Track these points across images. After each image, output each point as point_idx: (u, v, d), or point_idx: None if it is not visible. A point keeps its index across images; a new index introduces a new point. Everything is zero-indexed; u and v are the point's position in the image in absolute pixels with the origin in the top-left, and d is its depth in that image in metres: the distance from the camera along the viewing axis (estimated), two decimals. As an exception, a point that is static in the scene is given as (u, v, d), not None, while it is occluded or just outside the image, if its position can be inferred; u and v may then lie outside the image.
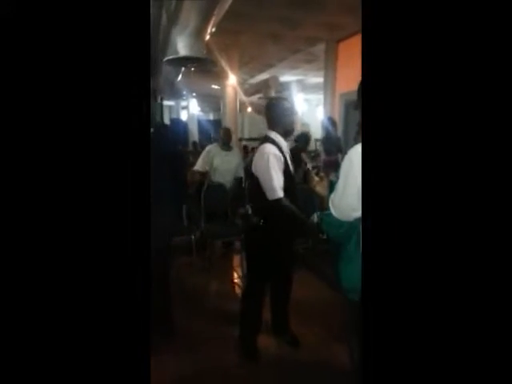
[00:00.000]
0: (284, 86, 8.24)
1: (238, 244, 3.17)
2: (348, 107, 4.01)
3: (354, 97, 4.11)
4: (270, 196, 1.62)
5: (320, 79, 7.68)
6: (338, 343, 1.96)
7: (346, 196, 1.04)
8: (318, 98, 9.37)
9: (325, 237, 1.41)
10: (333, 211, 1.13)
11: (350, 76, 5.14)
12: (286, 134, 1.76)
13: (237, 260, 3.12)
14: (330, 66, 5.20)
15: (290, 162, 1.77)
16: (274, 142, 1.70)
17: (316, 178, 1.36)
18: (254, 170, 1.67)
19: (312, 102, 9.37)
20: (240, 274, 2.90)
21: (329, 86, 5.15)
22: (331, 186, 1.36)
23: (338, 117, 4.11)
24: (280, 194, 1.60)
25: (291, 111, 1.74)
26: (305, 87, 8.64)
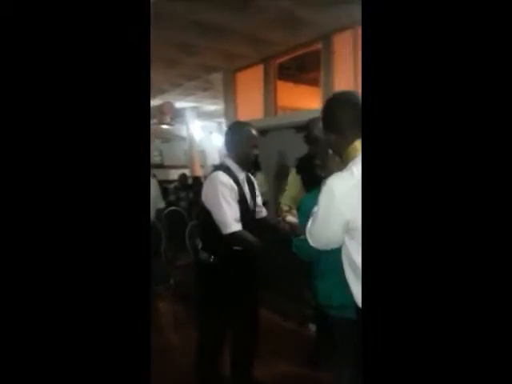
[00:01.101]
0: (178, 113, 8.02)
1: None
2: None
3: (258, 124, 4.19)
4: (223, 230, 1.41)
5: (215, 107, 7.81)
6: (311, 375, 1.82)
7: (327, 229, 0.95)
8: (213, 125, 9.46)
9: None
10: (310, 241, 1.02)
11: (250, 105, 5.35)
12: (243, 164, 1.55)
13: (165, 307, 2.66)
14: (229, 94, 5.28)
15: (247, 193, 1.57)
16: (227, 170, 1.50)
17: (285, 208, 1.30)
18: (203, 199, 1.47)
19: (206, 129, 9.41)
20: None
21: (230, 114, 5.19)
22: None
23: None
24: (234, 227, 1.40)
25: (251, 140, 1.53)
26: (199, 114, 8.60)
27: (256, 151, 1.54)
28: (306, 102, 5.27)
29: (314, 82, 4.91)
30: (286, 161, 3.74)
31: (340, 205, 0.88)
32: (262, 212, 1.69)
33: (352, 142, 0.94)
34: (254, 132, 1.53)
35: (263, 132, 4.03)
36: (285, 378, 1.86)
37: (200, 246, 1.54)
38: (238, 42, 4.17)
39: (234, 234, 1.39)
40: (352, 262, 0.96)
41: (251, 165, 1.61)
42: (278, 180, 3.40)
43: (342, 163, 1.07)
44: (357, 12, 3.44)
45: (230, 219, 1.39)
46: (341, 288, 1.27)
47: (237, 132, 1.54)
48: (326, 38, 4.10)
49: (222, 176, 1.44)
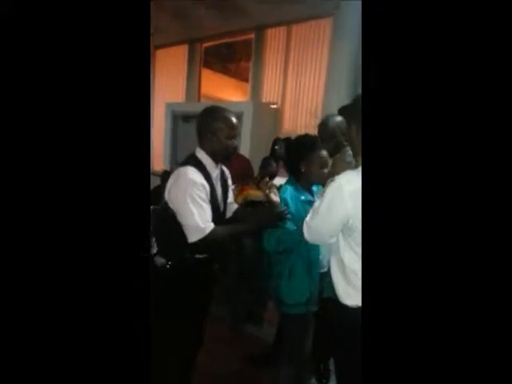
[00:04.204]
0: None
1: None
2: (176, 118, 3.69)
3: (182, 108, 3.85)
4: (191, 237, 1.15)
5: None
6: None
7: (329, 222, 0.96)
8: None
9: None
10: (306, 234, 1.03)
11: (170, 87, 4.88)
12: (218, 157, 1.25)
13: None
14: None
15: (219, 192, 1.28)
16: (198, 165, 1.19)
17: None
18: (167, 198, 1.17)
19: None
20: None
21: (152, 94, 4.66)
22: None
23: (163, 127, 3.70)
24: (206, 230, 1.14)
25: (231, 129, 1.22)
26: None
27: (236, 143, 1.26)
28: (231, 94, 5.09)
29: (240, 75, 4.76)
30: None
31: (346, 200, 0.90)
32: (231, 210, 1.43)
33: None
34: (234, 119, 1.23)
35: (186, 118, 3.72)
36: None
37: (155, 250, 1.26)
38: (162, 14, 3.70)
39: (207, 238, 1.15)
40: (340, 260, 0.98)
41: (227, 159, 1.30)
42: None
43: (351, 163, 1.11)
44: (295, 10, 3.48)
45: (201, 223, 1.14)
46: (306, 285, 1.32)
47: (213, 118, 1.22)
48: (260, 30, 3.99)
49: (193, 173, 1.15)
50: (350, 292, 0.95)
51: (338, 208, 0.92)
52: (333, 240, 1.00)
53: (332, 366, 1.70)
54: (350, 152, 1.14)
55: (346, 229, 0.95)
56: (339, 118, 1.70)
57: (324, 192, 0.97)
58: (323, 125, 1.71)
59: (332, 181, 0.94)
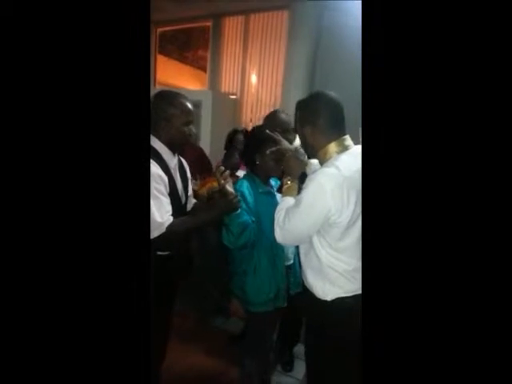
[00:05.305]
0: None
1: None
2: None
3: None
4: (150, 234, 1.05)
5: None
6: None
7: (308, 223, 0.94)
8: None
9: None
10: (280, 236, 0.99)
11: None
12: (175, 146, 1.15)
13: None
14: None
15: (179, 183, 1.20)
16: (154, 154, 1.10)
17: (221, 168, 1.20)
18: None
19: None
20: None
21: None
22: None
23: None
24: (166, 224, 1.06)
25: (187, 115, 1.12)
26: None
27: (193, 129, 1.17)
28: (188, 82, 4.93)
29: (198, 64, 4.63)
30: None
31: (329, 200, 0.89)
32: (191, 203, 1.35)
33: (331, 140, 0.97)
34: (189, 104, 1.14)
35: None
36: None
37: None
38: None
39: (167, 233, 1.07)
40: (315, 259, 0.98)
41: (183, 147, 1.21)
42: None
43: (315, 159, 1.07)
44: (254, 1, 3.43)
45: (159, 218, 1.05)
46: (272, 281, 1.29)
47: (167, 104, 1.11)
48: (217, 18, 3.89)
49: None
50: (326, 288, 0.97)
51: (320, 207, 0.90)
52: (307, 240, 0.99)
53: (298, 354, 1.74)
54: (302, 150, 1.12)
55: (323, 226, 0.94)
56: (283, 116, 1.65)
57: (302, 192, 0.93)
58: (269, 119, 1.65)
59: (310, 180, 0.92)
